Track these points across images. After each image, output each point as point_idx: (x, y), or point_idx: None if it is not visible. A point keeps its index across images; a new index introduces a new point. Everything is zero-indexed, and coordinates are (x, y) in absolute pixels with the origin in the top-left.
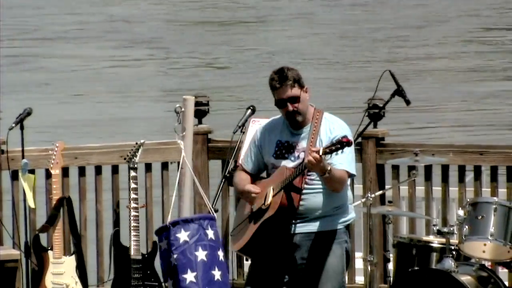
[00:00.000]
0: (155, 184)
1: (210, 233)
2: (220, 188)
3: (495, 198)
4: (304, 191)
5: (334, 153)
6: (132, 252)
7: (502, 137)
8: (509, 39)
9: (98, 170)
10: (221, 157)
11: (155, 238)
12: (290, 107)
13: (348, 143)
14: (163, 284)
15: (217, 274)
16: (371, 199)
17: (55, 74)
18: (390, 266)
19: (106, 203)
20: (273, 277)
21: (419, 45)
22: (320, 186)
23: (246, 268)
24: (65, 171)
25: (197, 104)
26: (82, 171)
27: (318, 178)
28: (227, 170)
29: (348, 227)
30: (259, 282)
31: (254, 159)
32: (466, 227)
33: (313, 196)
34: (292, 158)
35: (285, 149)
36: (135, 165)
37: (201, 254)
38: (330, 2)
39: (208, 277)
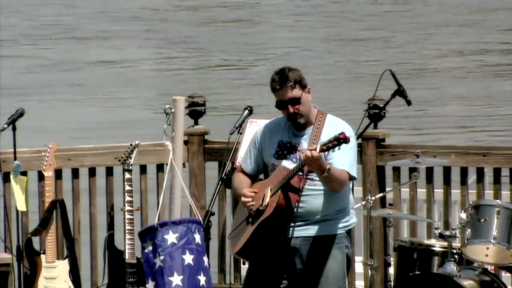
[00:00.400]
0: (150, 187)
1: (197, 238)
2: (217, 191)
3: (498, 200)
4: (304, 192)
5: (331, 150)
6: (126, 256)
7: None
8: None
9: (92, 172)
10: (218, 158)
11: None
12: (291, 109)
13: (345, 140)
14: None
15: (202, 279)
16: (371, 201)
17: (92, 75)
18: (391, 270)
19: (100, 205)
20: (271, 281)
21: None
22: (321, 188)
23: (243, 272)
24: (58, 173)
25: (193, 104)
26: (75, 173)
27: (319, 180)
28: (224, 172)
29: (349, 232)
30: (257, 287)
31: (253, 160)
32: (469, 230)
33: (313, 198)
34: (294, 159)
35: (287, 150)
36: (130, 167)
37: (188, 258)
38: None
39: (194, 281)
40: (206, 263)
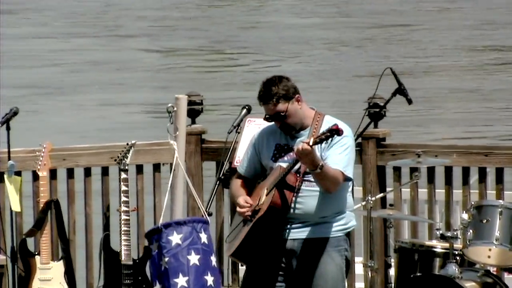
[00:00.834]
0: (147, 187)
1: (203, 237)
2: (214, 191)
3: (500, 201)
4: (301, 193)
5: (325, 141)
6: (122, 257)
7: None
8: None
9: (88, 172)
10: (215, 158)
11: (147, 243)
12: (277, 124)
13: (338, 131)
14: None
15: (209, 279)
16: (371, 202)
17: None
18: (392, 272)
19: (96, 206)
20: (268, 283)
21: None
22: (319, 189)
23: (241, 274)
24: (53, 173)
25: (190, 103)
26: (70, 173)
27: None
28: (222, 172)
29: (349, 235)
30: None
31: (250, 163)
32: (471, 231)
33: (311, 199)
34: (289, 159)
35: (284, 152)
36: (126, 167)
37: (193, 258)
38: None
39: (200, 282)
40: (214, 263)
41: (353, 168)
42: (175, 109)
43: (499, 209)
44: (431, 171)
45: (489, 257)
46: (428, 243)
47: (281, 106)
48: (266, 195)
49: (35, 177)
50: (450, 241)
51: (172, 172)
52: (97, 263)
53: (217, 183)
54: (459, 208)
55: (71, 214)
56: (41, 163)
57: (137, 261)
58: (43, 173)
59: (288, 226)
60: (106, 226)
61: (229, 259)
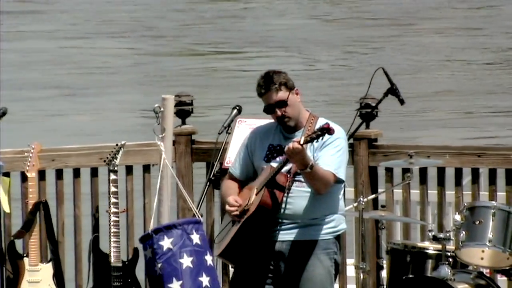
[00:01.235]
0: (136, 188)
1: (196, 238)
2: (205, 192)
3: (493, 202)
4: (292, 194)
5: (316, 140)
6: (112, 259)
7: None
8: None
9: (77, 173)
10: (205, 159)
11: (136, 245)
12: (279, 112)
13: (329, 130)
14: None
15: (205, 280)
16: (363, 203)
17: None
18: (384, 273)
19: (85, 207)
20: (256, 285)
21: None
22: (310, 190)
23: (231, 275)
24: (41, 174)
25: (180, 104)
26: (59, 174)
27: None
28: (212, 173)
29: (339, 238)
30: None
31: (242, 164)
32: (463, 232)
33: (301, 199)
34: (282, 161)
35: (277, 153)
36: (115, 168)
37: (186, 261)
38: None
39: (195, 284)
40: (209, 262)
41: (345, 170)
42: (161, 109)
43: (492, 210)
44: (423, 172)
45: (482, 258)
46: (420, 244)
47: (283, 94)
48: (256, 195)
49: (24, 178)
50: (443, 242)
51: (160, 173)
52: (86, 265)
53: (208, 184)
54: (452, 210)
55: (60, 216)
56: (30, 163)
57: (127, 263)
58: (32, 174)
59: (277, 227)
60: (95, 228)
61: (219, 261)
